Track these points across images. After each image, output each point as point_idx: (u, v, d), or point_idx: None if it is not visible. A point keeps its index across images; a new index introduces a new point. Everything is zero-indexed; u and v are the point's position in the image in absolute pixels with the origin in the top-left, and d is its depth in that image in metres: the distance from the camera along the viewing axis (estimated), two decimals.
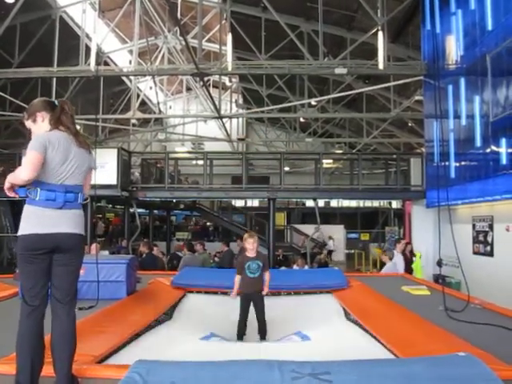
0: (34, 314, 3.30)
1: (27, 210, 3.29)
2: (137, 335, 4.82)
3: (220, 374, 3.29)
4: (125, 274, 6.39)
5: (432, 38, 13.32)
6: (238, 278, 6.34)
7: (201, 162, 19.70)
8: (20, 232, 3.27)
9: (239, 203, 31.47)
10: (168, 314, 6.25)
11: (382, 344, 4.54)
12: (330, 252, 22.93)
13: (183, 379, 3.16)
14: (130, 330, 4.80)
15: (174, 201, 22.33)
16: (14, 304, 6.20)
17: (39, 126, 3.56)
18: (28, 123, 3.64)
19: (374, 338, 4.81)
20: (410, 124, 23.59)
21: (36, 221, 3.25)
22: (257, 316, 6.23)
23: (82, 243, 3.51)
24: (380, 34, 13.70)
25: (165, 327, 5.65)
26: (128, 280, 6.47)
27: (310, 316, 6.33)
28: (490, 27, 10.55)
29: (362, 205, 32.73)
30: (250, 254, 6.34)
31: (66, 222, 3.32)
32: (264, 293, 6.33)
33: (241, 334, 6.18)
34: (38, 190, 3.26)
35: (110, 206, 25.30)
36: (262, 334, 6.19)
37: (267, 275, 6.36)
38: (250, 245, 6.33)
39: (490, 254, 11.26)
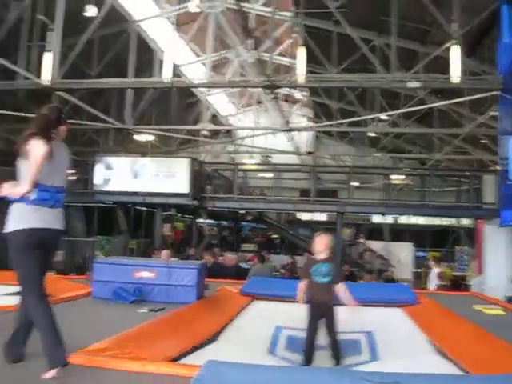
0: (44, 299, 3.64)
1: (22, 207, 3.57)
2: (206, 339, 4.86)
3: (291, 379, 3.29)
4: (196, 278, 6.50)
5: (509, 50, 12.96)
6: (302, 284, 5.24)
7: (268, 175, 19.82)
8: (21, 227, 3.54)
9: (306, 217, 31.31)
10: (236, 319, 6.26)
11: (454, 362, 4.42)
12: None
13: (254, 381, 3.18)
14: (200, 332, 4.87)
15: (242, 212, 22.49)
16: (89, 302, 6.45)
17: None
18: None
19: (446, 356, 4.67)
20: (483, 140, 22.95)
21: (33, 217, 3.57)
22: (327, 331, 5.08)
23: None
24: (454, 47, 13.44)
25: (233, 332, 5.65)
26: (198, 285, 6.58)
27: (379, 325, 6.13)
28: None
29: (431, 222, 31.99)
30: (320, 254, 5.23)
31: (55, 219, 3.67)
32: (351, 305, 5.21)
33: (308, 358, 4.98)
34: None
35: (180, 215, 25.70)
36: (335, 353, 4.96)
37: (343, 288, 5.23)
38: (320, 245, 5.23)
39: None
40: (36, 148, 3.53)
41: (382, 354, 5.19)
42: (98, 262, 7.20)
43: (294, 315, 6.31)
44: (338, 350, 4.95)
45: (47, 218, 3.59)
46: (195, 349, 4.46)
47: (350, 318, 6.23)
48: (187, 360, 4.04)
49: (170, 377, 3.37)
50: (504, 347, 4.66)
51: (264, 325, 5.96)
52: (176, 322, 5.23)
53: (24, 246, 3.53)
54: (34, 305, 3.54)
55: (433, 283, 12.39)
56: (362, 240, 23.00)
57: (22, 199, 3.52)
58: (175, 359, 3.97)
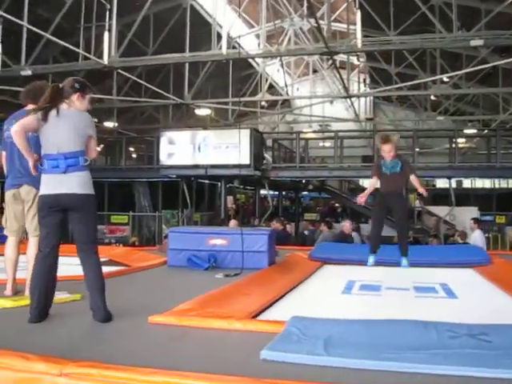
0: (46, 258, 3.80)
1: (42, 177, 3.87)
2: (283, 295, 4.96)
3: (375, 330, 3.34)
4: (266, 244, 6.59)
5: None
6: (372, 181, 6.01)
7: (328, 144, 19.73)
8: (38, 194, 3.92)
9: (368, 184, 31.04)
10: (308, 280, 6.33)
11: None
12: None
13: (339, 334, 3.24)
14: (277, 290, 4.97)
15: (304, 181, 22.49)
16: (164, 270, 6.65)
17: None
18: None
19: None
20: None
21: (45, 184, 3.84)
22: (395, 219, 5.86)
23: (85, 201, 3.87)
24: None
25: (307, 287, 5.73)
26: (269, 250, 6.68)
27: (454, 280, 6.07)
28: None
29: (497, 185, 31.20)
30: (387, 157, 5.89)
31: (66, 184, 3.79)
32: (421, 191, 5.94)
33: (375, 246, 5.92)
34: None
35: (242, 187, 25.93)
36: (403, 250, 5.82)
37: (414, 177, 5.91)
38: (387, 153, 5.86)
39: None
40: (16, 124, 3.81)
41: (459, 296, 5.24)
42: (172, 230, 7.39)
43: (365, 274, 6.40)
44: (404, 235, 5.86)
45: (60, 184, 3.78)
46: (273, 304, 4.55)
47: (424, 275, 6.29)
48: (269, 315, 4.13)
49: (255, 333, 3.46)
50: None
51: (337, 280, 6.04)
52: (252, 283, 5.34)
53: (39, 209, 3.91)
54: (35, 261, 3.84)
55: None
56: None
57: (41, 170, 3.84)
58: (257, 315, 4.06)
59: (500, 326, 3.47)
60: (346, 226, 12.05)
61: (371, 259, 6.30)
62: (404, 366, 2.74)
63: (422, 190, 5.99)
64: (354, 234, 12.89)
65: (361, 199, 6.15)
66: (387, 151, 5.79)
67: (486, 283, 6.07)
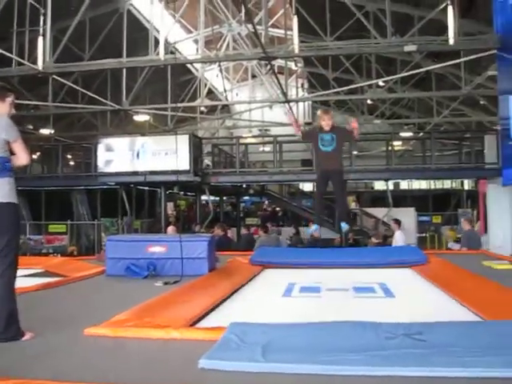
0: None
1: None
2: (222, 301, 4.94)
3: (314, 334, 3.35)
4: (206, 250, 6.55)
5: (506, 8, 12.86)
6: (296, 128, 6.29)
7: (268, 149, 19.85)
8: None
9: (308, 188, 31.38)
10: (249, 284, 6.34)
11: (469, 309, 4.49)
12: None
13: (279, 339, 3.24)
14: (215, 297, 4.93)
15: (244, 186, 22.55)
16: (103, 279, 6.52)
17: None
18: None
19: (460, 303, 4.74)
20: (481, 102, 22.90)
21: None
22: (335, 193, 5.95)
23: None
24: (449, 8, 13.33)
25: (247, 292, 5.73)
26: (209, 257, 6.64)
27: (392, 280, 6.21)
28: None
29: (433, 187, 32.06)
30: (325, 127, 5.90)
31: None
32: (354, 125, 5.98)
33: (318, 218, 6.12)
34: None
35: (182, 193, 25.77)
36: (343, 217, 6.02)
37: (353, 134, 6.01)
38: (326, 121, 5.88)
39: None
40: None
41: (396, 295, 5.37)
42: (110, 239, 7.25)
43: (305, 276, 6.46)
44: (346, 214, 6.03)
45: None
46: (212, 311, 4.53)
47: (363, 276, 6.41)
48: (208, 322, 4.10)
49: (194, 342, 3.42)
50: None
51: (277, 284, 6.09)
52: (191, 290, 5.29)
53: None
54: None
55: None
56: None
57: None
58: (195, 323, 4.03)
59: (435, 325, 3.54)
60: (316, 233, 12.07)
61: (314, 227, 6.44)
62: (342, 369, 2.76)
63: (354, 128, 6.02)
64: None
65: (296, 129, 6.39)
66: (326, 119, 5.88)
67: (423, 282, 6.23)
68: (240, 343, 3.15)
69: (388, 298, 5.23)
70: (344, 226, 6.43)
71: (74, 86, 17.30)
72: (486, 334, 3.30)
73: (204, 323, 4.09)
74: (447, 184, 30.73)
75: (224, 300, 4.97)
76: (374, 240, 11.54)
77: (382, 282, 5.97)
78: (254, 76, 30.06)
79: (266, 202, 29.58)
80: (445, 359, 2.82)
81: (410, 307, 4.77)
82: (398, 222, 13.17)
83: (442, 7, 13.91)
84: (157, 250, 6.60)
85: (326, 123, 5.88)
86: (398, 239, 11.81)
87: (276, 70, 25.36)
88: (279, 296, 5.35)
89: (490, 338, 3.18)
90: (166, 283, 5.86)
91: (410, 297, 5.34)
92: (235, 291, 5.48)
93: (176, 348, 3.36)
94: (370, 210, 22.91)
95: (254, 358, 2.87)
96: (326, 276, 6.56)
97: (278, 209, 29.24)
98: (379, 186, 27.76)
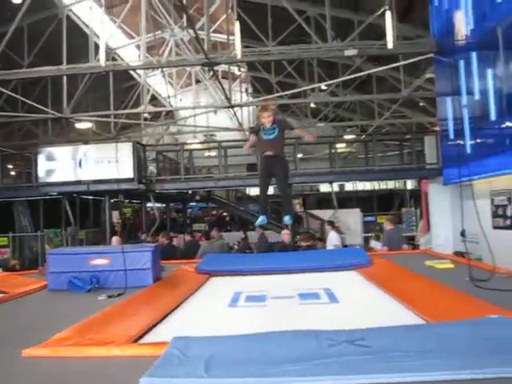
0: None
1: None
2: (167, 314, 4.88)
3: (257, 345, 3.34)
4: (150, 261, 6.45)
5: (440, 14, 13.21)
6: (252, 138, 6.29)
7: (214, 154, 19.84)
8: None
9: (254, 192, 31.47)
10: (194, 294, 6.30)
11: (412, 311, 4.57)
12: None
13: (221, 352, 3.22)
14: (160, 310, 4.87)
15: (190, 192, 22.44)
16: (45, 295, 6.35)
17: None
18: None
19: (403, 305, 4.83)
20: (421, 104, 23.44)
21: None
22: (277, 182, 6.04)
23: None
24: (387, 13, 13.61)
25: (193, 303, 5.68)
26: (153, 267, 6.53)
27: (336, 284, 6.28)
28: None
29: (377, 187, 32.62)
30: (267, 124, 6.09)
31: None
32: (309, 138, 6.28)
33: (264, 209, 6.14)
34: None
35: (127, 201, 25.44)
36: (287, 206, 6.14)
37: (297, 130, 6.25)
38: (266, 118, 6.07)
39: (511, 227, 11.21)
40: None
41: (341, 300, 5.41)
42: (51, 253, 7.05)
43: (251, 284, 6.46)
44: (290, 202, 6.18)
45: None
46: (157, 325, 4.47)
47: (308, 281, 6.45)
48: (151, 337, 4.04)
49: (136, 358, 3.36)
50: (457, 295, 4.84)
51: (223, 293, 6.05)
52: (135, 303, 5.20)
53: None
54: None
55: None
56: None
57: None
58: (139, 338, 3.96)
59: (377, 330, 3.59)
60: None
61: (260, 219, 6.42)
62: (285, 381, 2.76)
63: (309, 137, 6.38)
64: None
65: (246, 146, 6.58)
66: (266, 116, 6.04)
67: (367, 284, 6.33)
68: (183, 358, 3.11)
69: (333, 304, 5.27)
70: (287, 220, 6.49)
71: (13, 95, 16.86)
72: (427, 336, 3.35)
73: (148, 338, 4.02)
74: (391, 184, 31.33)
75: (169, 313, 4.90)
76: (302, 244, 11.65)
77: (327, 287, 6.02)
78: (198, 81, 29.99)
79: (214, 208, 29.54)
80: (385, 365, 2.85)
81: (355, 312, 4.81)
82: (331, 223, 13.79)
83: (380, 12, 14.19)
84: (100, 262, 6.47)
85: (266, 120, 6.06)
86: (332, 239, 12.12)
87: (220, 75, 25.48)
88: (225, 306, 5.32)
89: (431, 340, 3.23)
90: (109, 296, 5.75)
91: (355, 301, 5.40)
92: (180, 303, 5.42)
93: (118, 366, 3.29)
94: (316, 212, 23.07)
95: (197, 374, 2.84)
96: (272, 283, 6.58)
97: (225, 214, 29.24)
98: (324, 188, 28.07)
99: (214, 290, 6.60)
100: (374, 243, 13.55)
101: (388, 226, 12.05)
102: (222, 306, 5.33)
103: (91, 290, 6.21)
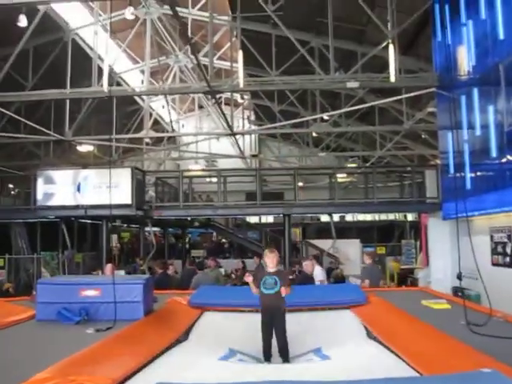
0: None
1: None
2: (155, 357, 4.76)
3: None
4: (141, 294, 6.35)
5: (443, 49, 13.26)
6: (254, 289, 6.23)
7: (215, 180, 19.81)
8: None
9: (254, 219, 31.39)
10: (186, 334, 6.18)
11: (405, 361, 4.46)
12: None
13: None
14: (147, 352, 4.75)
15: (189, 219, 22.37)
16: (31, 326, 6.22)
17: None
18: None
19: (396, 355, 4.72)
20: (423, 136, 23.47)
21: None
22: (277, 342, 5.95)
23: None
24: (391, 46, 13.64)
25: (183, 348, 5.56)
26: (145, 300, 6.43)
27: (329, 332, 6.20)
28: (501, 36, 10.48)
29: (377, 218, 32.52)
30: (270, 268, 6.22)
31: None
32: (283, 293, 6.02)
33: (267, 355, 5.94)
34: None
35: (125, 225, 25.36)
36: (284, 355, 5.90)
37: (285, 290, 6.02)
38: (270, 260, 6.22)
39: (510, 265, 11.11)
40: None
41: (332, 357, 5.31)
42: (41, 282, 6.94)
43: (246, 331, 6.35)
44: (286, 352, 5.85)
45: None
46: (142, 368, 4.36)
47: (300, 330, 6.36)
48: (135, 382, 3.93)
49: None
50: (452, 344, 4.73)
51: (215, 346, 5.90)
52: (123, 341, 5.08)
53: None
54: None
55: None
56: None
57: None
58: (122, 382, 3.85)
59: (365, 382, 3.49)
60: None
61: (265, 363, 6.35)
62: None
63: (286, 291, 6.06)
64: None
65: (254, 292, 6.30)
66: (271, 257, 6.22)
67: (361, 329, 6.21)
68: None
69: (324, 361, 5.19)
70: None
71: (15, 116, 16.88)
72: None
73: (132, 382, 3.92)
74: (391, 216, 31.21)
75: (156, 356, 4.79)
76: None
77: (317, 347, 5.95)
78: (200, 106, 30.09)
79: (214, 234, 29.40)
80: None
81: (347, 365, 4.71)
82: (316, 257, 13.80)
83: (384, 45, 14.23)
84: (90, 293, 6.37)
85: (270, 261, 6.22)
86: (318, 275, 11.88)
87: (223, 102, 25.58)
88: (215, 360, 5.20)
89: None
90: (97, 330, 5.65)
91: (347, 353, 5.29)
92: (169, 346, 5.30)
93: None
94: (316, 242, 22.97)
95: None
96: None
97: (224, 240, 29.10)
98: (325, 217, 27.99)
99: (207, 334, 6.45)
100: (351, 279, 13.49)
101: (367, 261, 12.08)
102: (212, 359, 5.20)
103: (80, 321, 6.10)
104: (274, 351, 5.93)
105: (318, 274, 12.07)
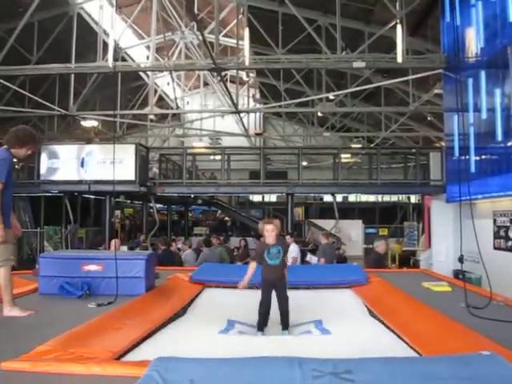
0: None
1: None
2: (155, 330, 4.79)
3: (239, 372, 3.25)
4: (143, 269, 6.37)
5: (452, 30, 13.13)
6: (251, 266, 6.05)
7: (218, 157, 19.79)
8: None
9: (257, 198, 31.44)
10: (186, 309, 6.21)
11: (404, 341, 4.48)
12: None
13: (202, 377, 3.13)
14: (148, 325, 4.78)
15: (192, 196, 22.40)
16: (34, 299, 6.25)
17: None
18: None
19: (396, 334, 4.73)
20: (429, 118, 23.38)
21: None
22: (279, 306, 5.87)
23: None
24: (398, 27, 13.52)
25: (183, 321, 5.57)
26: (147, 276, 6.46)
27: (329, 309, 6.19)
28: (511, 19, 10.36)
29: (380, 199, 32.55)
30: (270, 240, 5.94)
31: None
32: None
33: (261, 325, 5.86)
34: None
35: (129, 201, 25.41)
36: (284, 321, 5.85)
37: (285, 271, 6.02)
38: (269, 232, 5.94)
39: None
40: None
41: (333, 331, 5.30)
42: (43, 256, 6.95)
43: (245, 305, 6.35)
44: (287, 316, 5.81)
45: None
46: (143, 341, 4.39)
47: (301, 304, 6.36)
48: (136, 355, 3.95)
49: (117, 378, 3.27)
50: (451, 326, 4.75)
51: (215, 319, 5.88)
52: (124, 315, 5.11)
53: None
54: None
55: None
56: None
57: None
58: (122, 355, 3.87)
59: (365, 362, 3.49)
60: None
61: (259, 334, 6.28)
62: None
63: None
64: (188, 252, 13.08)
65: (241, 286, 6.13)
66: (270, 230, 5.94)
67: (362, 307, 6.22)
68: (161, 382, 3.02)
69: (324, 336, 5.19)
70: (284, 333, 6.39)
71: (20, 90, 16.84)
72: (419, 372, 3.26)
73: (132, 355, 3.94)
74: (394, 197, 31.22)
75: (156, 329, 4.82)
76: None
77: (318, 318, 5.93)
78: (206, 84, 29.97)
79: (219, 212, 29.46)
80: None
81: (347, 341, 4.71)
82: (292, 235, 14.12)
83: (391, 25, 14.11)
84: (92, 268, 6.39)
85: (269, 234, 5.93)
86: (291, 252, 12.16)
87: (228, 79, 25.46)
88: (215, 332, 5.21)
89: (422, 377, 3.14)
90: (99, 305, 5.68)
91: (347, 329, 5.29)
92: (170, 319, 5.33)
93: None
94: (318, 222, 23.01)
95: None
96: None
97: (226, 218, 29.16)
98: (328, 197, 28.05)
99: (207, 308, 6.47)
100: (309, 257, 13.71)
101: (323, 241, 13.02)
102: (212, 332, 5.21)
103: (82, 296, 6.13)
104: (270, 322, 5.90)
105: (292, 250, 12.34)
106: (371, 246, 25.05)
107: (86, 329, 4.45)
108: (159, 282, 7.21)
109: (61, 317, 5.21)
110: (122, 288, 6.07)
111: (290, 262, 11.57)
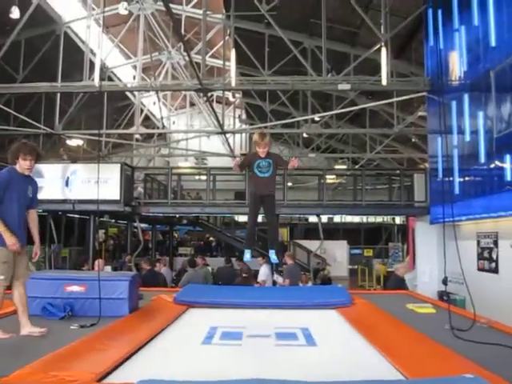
0: None
1: None
2: (138, 351, 4.72)
3: None
4: (127, 290, 6.32)
5: (435, 54, 13.31)
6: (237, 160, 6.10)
7: (204, 178, 19.79)
8: None
9: (242, 218, 31.38)
10: (168, 329, 6.15)
11: (390, 362, 4.46)
12: None
13: None
14: (130, 346, 4.72)
15: (177, 216, 22.34)
16: (15, 320, 6.12)
17: None
18: None
19: (381, 355, 4.71)
20: (413, 139, 23.57)
21: None
22: (267, 217, 6.00)
23: None
24: (383, 49, 13.69)
25: (166, 340, 5.51)
26: (130, 297, 6.40)
27: (314, 325, 6.16)
28: (493, 43, 10.53)
29: (365, 220, 32.66)
30: (261, 154, 5.92)
31: None
32: (294, 163, 5.86)
33: (250, 243, 6.03)
34: None
35: (113, 221, 25.25)
36: (273, 240, 5.98)
37: (290, 166, 5.89)
38: (262, 147, 5.90)
39: (495, 270, 11.18)
40: None
41: (319, 343, 5.26)
42: None
43: (228, 318, 6.32)
44: (275, 233, 6.12)
45: None
46: (125, 362, 4.33)
47: (286, 319, 6.33)
48: (118, 376, 3.89)
49: None
50: (435, 348, 4.74)
51: (198, 328, 5.86)
52: (105, 337, 5.04)
53: None
54: None
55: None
56: None
57: None
58: (104, 377, 3.82)
59: None
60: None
61: (247, 255, 6.31)
62: None
63: (292, 165, 5.93)
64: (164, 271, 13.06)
65: (234, 164, 6.22)
66: (262, 145, 5.88)
67: (347, 327, 6.19)
68: None
69: (310, 347, 5.14)
70: (273, 259, 6.38)
71: (5, 109, 16.78)
72: None
73: (115, 376, 3.89)
74: (379, 218, 31.37)
75: (139, 349, 4.76)
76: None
77: (305, 326, 5.90)
78: (192, 104, 30.04)
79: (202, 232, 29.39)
80: None
81: (332, 359, 4.68)
82: (264, 256, 13.76)
83: (376, 48, 14.28)
84: (75, 289, 6.33)
85: (262, 150, 5.90)
86: (262, 273, 12.67)
87: (215, 100, 25.55)
88: (199, 343, 5.17)
89: None
90: (82, 326, 5.62)
91: (333, 346, 5.26)
92: (153, 338, 5.27)
93: None
94: (303, 243, 23.04)
95: None
96: (249, 318, 6.44)
97: (211, 239, 29.08)
98: (313, 218, 28.12)
99: (190, 323, 6.42)
100: (276, 277, 13.80)
101: (289, 261, 12.83)
102: (196, 343, 5.17)
103: (64, 317, 6.07)
104: None
105: (262, 273, 12.72)
106: (356, 266, 25.21)
107: (68, 351, 4.39)
108: (143, 303, 7.15)
109: (42, 339, 5.14)
110: (105, 309, 6.01)
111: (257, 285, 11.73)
